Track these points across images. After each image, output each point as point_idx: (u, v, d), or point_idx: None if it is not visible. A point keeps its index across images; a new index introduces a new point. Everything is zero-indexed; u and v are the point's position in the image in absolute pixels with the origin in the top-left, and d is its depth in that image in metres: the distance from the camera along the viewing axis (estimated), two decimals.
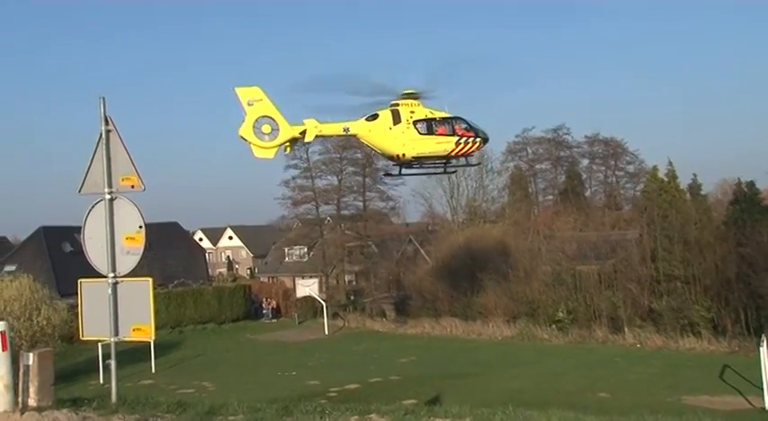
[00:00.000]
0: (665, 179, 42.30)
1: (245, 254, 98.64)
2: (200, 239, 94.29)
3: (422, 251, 61.85)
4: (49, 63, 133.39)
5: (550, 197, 73.72)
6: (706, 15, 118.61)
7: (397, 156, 19.20)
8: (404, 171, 20.41)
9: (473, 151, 19.98)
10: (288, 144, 18.56)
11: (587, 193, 74.09)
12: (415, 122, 19.00)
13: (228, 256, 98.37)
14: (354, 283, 66.02)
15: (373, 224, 63.73)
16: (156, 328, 8.79)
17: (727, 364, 27.84)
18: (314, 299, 54.76)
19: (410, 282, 56.07)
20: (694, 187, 45.77)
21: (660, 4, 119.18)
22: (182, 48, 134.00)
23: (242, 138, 17.55)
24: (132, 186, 8.69)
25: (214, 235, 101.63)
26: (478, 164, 20.76)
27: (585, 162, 75.94)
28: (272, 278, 72.88)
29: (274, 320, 56.68)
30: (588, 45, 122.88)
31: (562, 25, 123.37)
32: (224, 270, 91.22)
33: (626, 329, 39.00)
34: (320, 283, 63.63)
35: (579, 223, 53.11)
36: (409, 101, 19.19)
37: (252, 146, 17.61)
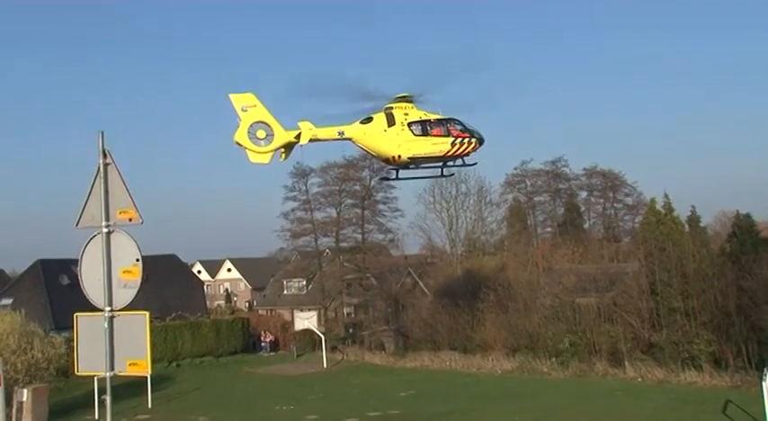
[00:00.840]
0: (663, 211, 42.40)
1: (243, 286, 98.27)
2: (199, 271, 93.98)
3: (421, 283, 61.64)
4: (48, 94, 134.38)
5: (549, 229, 73.76)
6: (705, 50, 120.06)
7: (393, 157, 19.19)
8: (401, 174, 20.33)
9: (469, 151, 19.90)
10: (283, 150, 18.59)
11: (586, 226, 74.15)
12: (409, 124, 19.10)
13: (227, 289, 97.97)
14: (353, 316, 65.70)
15: (372, 256, 63.66)
16: (153, 362, 8.72)
17: (730, 399, 27.56)
18: (312, 332, 54.45)
19: (409, 314, 55.79)
20: (693, 219, 45.88)
21: (658, 38, 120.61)
22: (177, 77, 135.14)
23: (237, 143, 17.61)
24: (130, 219, 8.67)
25: (212, 267, 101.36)
26: (475, 164, 20.42)
27: (584, 194, 76.22)
28: (271, 311, 72.52)
29: (272, 353, 56.26)
30: (587, 77, 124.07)
31: (558, 55, 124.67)
32: (222, 302, 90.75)
33: (626, 363, 38.70)
34: (319, 316, 63.32)
35: (578, 255, 53.05)
36: (403, 104, 19.28)
37: (247, 151, 17.66)
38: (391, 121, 18.95)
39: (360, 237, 63.47)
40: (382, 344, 55.63)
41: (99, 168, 8.59)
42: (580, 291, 44.87)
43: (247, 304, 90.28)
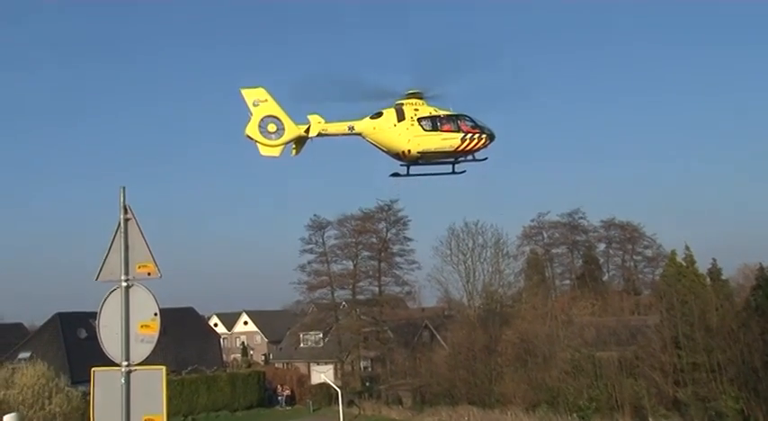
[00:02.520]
0: (684, 264, 41.91)
1: (260, 339, 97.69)
2: (215, 324, 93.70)
3: (438, 336, 60.98)
4: (70, 148, 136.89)
5: (567, 282, 73.10)
6: (722, 100, 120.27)
7: (403, 152, 19.11)
8: (411, 170, 19.88)
9: (479, 147, 19.70)
10: (294, 146, 18.64)
11: (605, 278, 73.43)
12: (419, 119, 19.13)
13: (243, 342, 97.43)
14: (370, 370, 64.92)
15: (389, 309, 63.29)
16: (168, 416, 8.65)
17: None
18: (329, 385, 53.77)
19: (426, 368, 55.05)
20: (714, 272, 45.16)
21: (675, 89, 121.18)
22: (195, 128, 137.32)
23: (248, 137, 17.76)
24: (149, 274, 8.74)
25: (229, 320, 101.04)
26: (485, 159, 20.16)
27: (602, 246, 75.69)
28: (287, 364, 71.90)
29: (288, 408, 55.56)
30: (602, 128, 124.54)
31: (575, 106, 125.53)
32: (238, 355, 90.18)
33: (650, 419, 37.76)
34: (335, 369, 62.69)
35: (597, 308, 52.45)
36: (413, 100, 19.33)
37: (258, 144, 17.80)
38: (401, 117, 19.03)
39: (376, 289, 63.24)
40: (399, 398, 54.80)
41: (120, 223, 8.71)
42: (600, 344, 44.16)
43: (264, 357, 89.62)
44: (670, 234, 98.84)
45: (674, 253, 44.50)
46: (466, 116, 19.56)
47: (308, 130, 18.17)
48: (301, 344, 71.91)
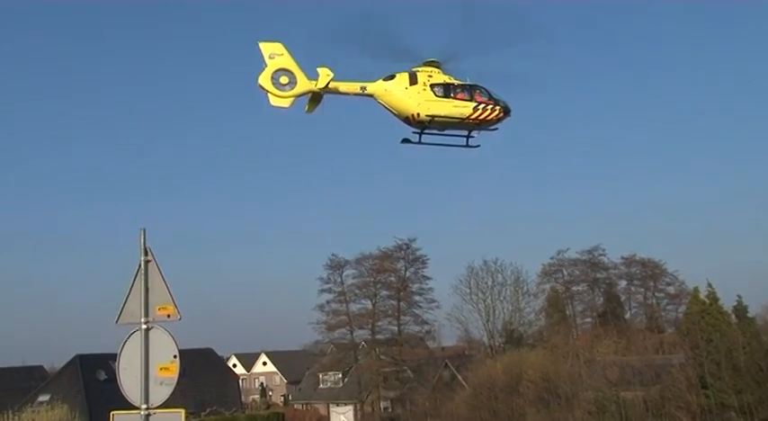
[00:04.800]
0: (707, 301, 41.26)
1: (279, 379, 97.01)
2: (234, 365, 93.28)
3: (459, 376, 60.19)
4: (89, 190, 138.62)
5: (589, 320, 72.06)
6: (744, 137, 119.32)
7: (412, 116, 19.00)
8: (423, 139, 19.66)
9: (493, 119, 19.54)
10: (309, 103, 18.85)
11: (627, 316, 72.36)
12: (432, 85, 19.13)
13: (262, 383, 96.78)
14: (390, 410, 64.09)
15: (408, 348, 62.79)
16: None
17: None
18: None
19: (447, 409, 54.21)
20: (740, 309, 44.36)
21: (696, 126, 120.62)
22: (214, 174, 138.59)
23: (260, 86, 17.99)
24: (168, 316, 8.79)
25: (248, 360, 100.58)
26: (496, 128, 19.92)
27: (623, 283, 74.67)
28: (306, 405, 71.18)
29: None
30: (621, 161, 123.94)
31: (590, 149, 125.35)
32: (257, 396, 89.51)
33: None
34: (355, 410, 62.02)
35: (620, 347, 51.60)
36: (429, 68, 19.36)
37: (269, 94, 18.00)
38: (413, 81, 19.07)
39: (396, 328, 62.89)
40: None
41: (140, 265, 8.80)
42: (624, 384, 43.32)
43: (283, 398, 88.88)
44: (693, 270, 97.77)
45: (696, 290, 43.86)
46: (482, 87, 19.53)
47: (319, 87, 18.31)
48: (321, 385, 71.31)
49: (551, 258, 71.25)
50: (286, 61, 18.18)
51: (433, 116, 18.90)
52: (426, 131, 19.51)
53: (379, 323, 62.95)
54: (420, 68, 19.35)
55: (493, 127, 19.81)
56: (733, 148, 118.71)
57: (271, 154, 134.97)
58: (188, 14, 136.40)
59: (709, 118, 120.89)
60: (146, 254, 8.83)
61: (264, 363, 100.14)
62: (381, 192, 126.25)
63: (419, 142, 19.75)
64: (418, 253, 63.37)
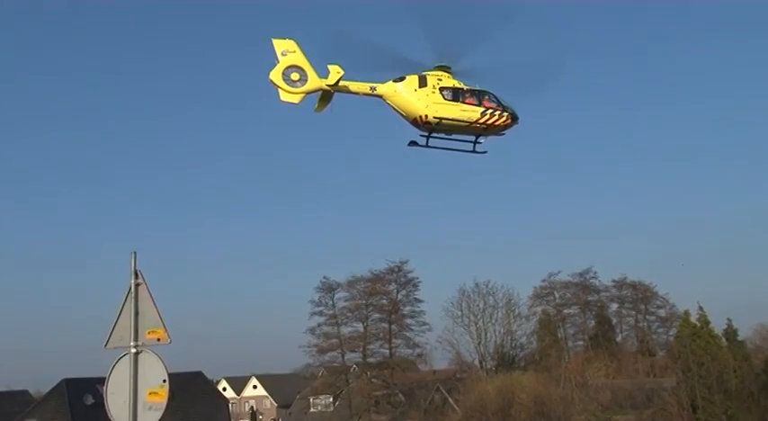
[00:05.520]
0: (698, 324, 41.35)
1: (269, 403, 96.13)
2: (224, 389, 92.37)
3: (450, 400, 59.81)
4: (80, 213, 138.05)
5: (580, 342, 71.90)
6: (732, 163, 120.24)
7: (420, 117, 19.09)
8: (431, 142, 19.73)
9: (500, 125, 19.65)
10: (318, 102, 18.99)
11: (618, 339, 72.27)
12: (441, 88, 19.29)
13: (252, 406, 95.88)
14: None
15: (400, 372, 62.46)
16: None
17: None
18: None
19: None
20: (730, 333, 44.44)
21: (685, 155, 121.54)
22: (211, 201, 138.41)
23: (271, 81, 18.20)
24: (158, 339, 8.75)
25: (238, 384, 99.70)
26: (503, 134, 20.10)
27: (615, 306, 74.64)
28: None
29: None
30: (615, 189, 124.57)
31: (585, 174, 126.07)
32: (247, 420, 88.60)
33: None
34: None
35: (612, 370, 51.55)
36: (439, 72, 19.52)
37: (279, 90, 18.19)
38: (423, 83, 19.24)
39: (387, 352, 62.56)
40: None
41: (130, 288, 8.76)
42: (616, 407, 43.26)
43: None
44: (683, 292, 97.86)
45: (687, 313, 44.00)
46: (490, 93, 19.66)
47: (329, 84, 18.44)
48: (311, 409, 70.71)
49: (543, 281, 71.33)
50: (298, 58, 18.42)
51: (441, 119, 19.08)
52: (434, 135, 19.67)
53: (371, 346, 62.64)
54: (430, 72, 19.55)
55: (500, 133, 20.01)
56: (725, 173, 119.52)
57: (263, 176, 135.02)
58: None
59: (700, 144, 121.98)
60: (136, 277, 8.80)
61: (255, 387, 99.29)
62: (375, 213, 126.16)
63: (426, 145, 19.88)
64: (410, 275, 63.33)
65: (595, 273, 71.01)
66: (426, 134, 19.63)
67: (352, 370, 64.59)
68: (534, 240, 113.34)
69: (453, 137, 19.90)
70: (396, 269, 62.75)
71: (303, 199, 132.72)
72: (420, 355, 64.99)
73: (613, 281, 72.47)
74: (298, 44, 18.49)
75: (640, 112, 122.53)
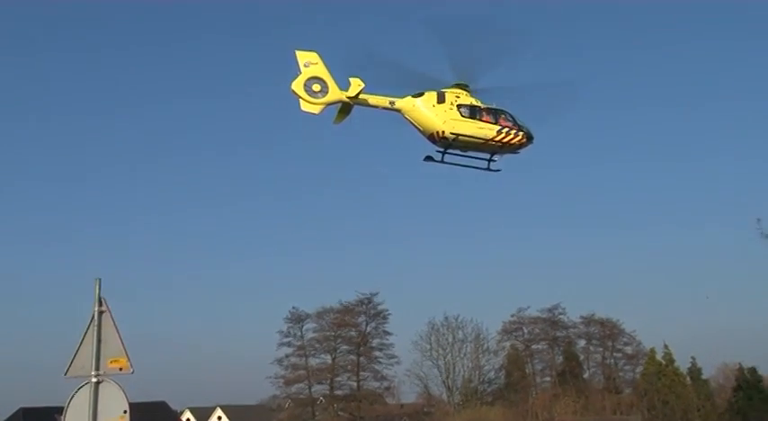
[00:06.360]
0: (663, 362, 41.78)
1: None
2: (188, 419, 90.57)
3: None
4: (46, 235, 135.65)
5: (548, 378, 71.89)
6: (697, 204, 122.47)
7: (437, 133, 19.43)
8: (446, 158, 20.00)
9: (515, 143, 19.99)
10: (338, 114, 19.37)
11: (585, 375, 72.37)
12: (459, 105, 19.70)
13: None
14: None
15: (367, 404, 61.88)
16: None
17: None
18: None
19: None
20: (694, 371, 45.00)
21: (654, 186, 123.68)
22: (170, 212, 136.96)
23: (293, 91, 18.61)
24: (120, 369, 8.63)
25: (203, 415, 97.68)
26: (518, 153, 20.56)
27: (582, 343, 74.87)
28: None
29: None
30: (584, 225, 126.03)
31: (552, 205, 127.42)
32: None
33: None
34: None
35: (579, 407, 51.60)
36: (457, 90, 19.91)
37: (300, 100, 18.61)
38: (441, 100, 19.66)
39: (355, 384, 62.05)
40: None
41: (93, 316, 8.65)
42: None
43: None
44: (650, 330, 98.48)
45: (653, 351, 44.50)
46: (507, 112, 20.07)
47: (351, 97, 18.83)
48: None
49: (512, 316, 71.49)
50: (320, 70, 18.88)
51: (458, 135, 19.45)
52: (449, 152, 19.95)
53: (338, 378, 62.15)
54: (449, 89, 19.96)
55: (515, 152, 20.37)
56: (691, 209, 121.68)
57: (230, 201, 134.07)
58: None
59: (663, 184, 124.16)
60: (99, 304, 8.71)
61: (219, 418, 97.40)
62: (347, 244, 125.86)
63: (441, 161, 20.17)
64: (380, 307, 63.16)
65: (564, 309, 71.46)
66: (442, 150, 19.97)
67: (318, 402, 63.87)
68: (505, 275, 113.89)
69: (468, 154, 20.29)
70: (366, 301, 62.63)
71: (273, 226, 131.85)
72: (388, 388, 64.62)
73: (582, 317, 72.92)
74: (320, 56, 19.01)
75: (606, 151, 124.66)
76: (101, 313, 8.68)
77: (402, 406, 68.02)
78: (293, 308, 63.39)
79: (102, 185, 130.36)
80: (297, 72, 18.72)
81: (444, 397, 63.12)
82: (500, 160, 20.36)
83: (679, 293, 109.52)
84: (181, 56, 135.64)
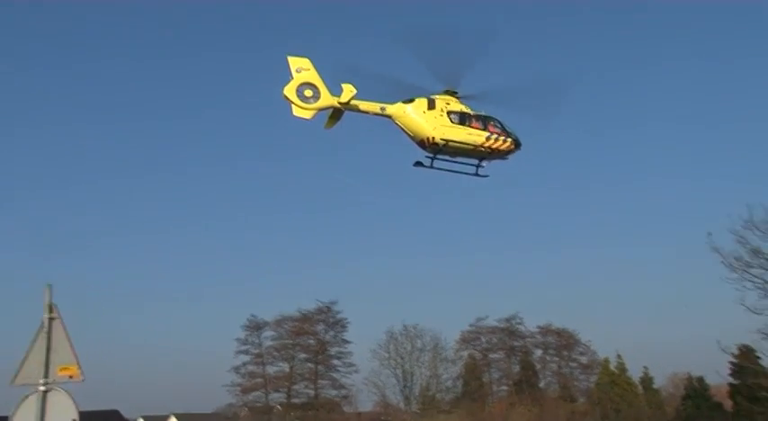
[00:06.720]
0: (617, 372, 42.58)
1: None
2: None
3: None
4: None
5: (505, 387, 72.54)
6: (650, 218, 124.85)
7: (428, 139, 19.79)
8: (435, 164, 20.41)
9: (504, 150, 20.44)
10: (328, 121, 19.63)
11: (541, 384, 73.18)
12: (449, 112, 20.09)
13: None
14: None
15: (324, 413, 61.66)
16: None
17: None
18: None
19: None
20: (646, 380, 45.92)
21: (608, 202, 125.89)
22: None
23: (285, 97, 18.81)
24: (71, 376, 8.53)
25: None
26: (506, 159, 20.96)
27: (539, 352, 75.76)
28: None
29: None
30: (542, 238, 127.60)
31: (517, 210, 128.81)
32: None
33: None
34: None
35: (534, 415, 52.18)
36: (447, 96, 20.30)
37: (292, 105, 18.85)
38: (431, 106, 20.07)
39: (312, 392, 61.78)
40: None
41: (43, 323, 8.54)
42: None
43: None
44: (605, 340, 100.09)
45: (606, 361, 45.29)
46: (496, 119, 20.55)
47: (342, 103, 19.10)
48: None
49: (470, 325, 72.03)
50: (312, 76, 19.15)
51: (448, 140, 19.85)
52: (438, 157, 20.29)
53: (296, 386, 61.83)
54: (439, 96, 20.33)
55: (504, 157, 20.79)
56: (645, 224, 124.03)
57: (187, 207, 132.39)
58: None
59: (620, 196, 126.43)
60: (50, 311, 8.61)
61: None
62: (305, 251, 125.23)
63: (431, 166, 20.52)
64: (339, 316, 63.06)
65: (521, 319, 72.21)
66: (432, 155, 20.34)
67: (275, 410, 63.43)
68: (464, 284, 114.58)
69: (457, 160, 20.69)
70: (325, 309, 62.47)
71: (232, 232, 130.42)
72: (345, 397, 64.42)
73: (539, 327, 73.80)
74: (312, 63, 19.22)
75: (559, 168, 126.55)
76: (51, 320, 8.58)
77: (360, 414, 67.87)
78: (251, 315, 63.00)
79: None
80: (288, 77, 18.90)
81: (402, 405, 63.18)
82: (488, 166, 20.88)
83: (633, 304, 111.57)
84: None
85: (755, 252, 21.06)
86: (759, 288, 21.23)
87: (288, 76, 18.88)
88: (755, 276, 20.86)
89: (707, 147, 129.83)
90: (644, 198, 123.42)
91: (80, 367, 8.59)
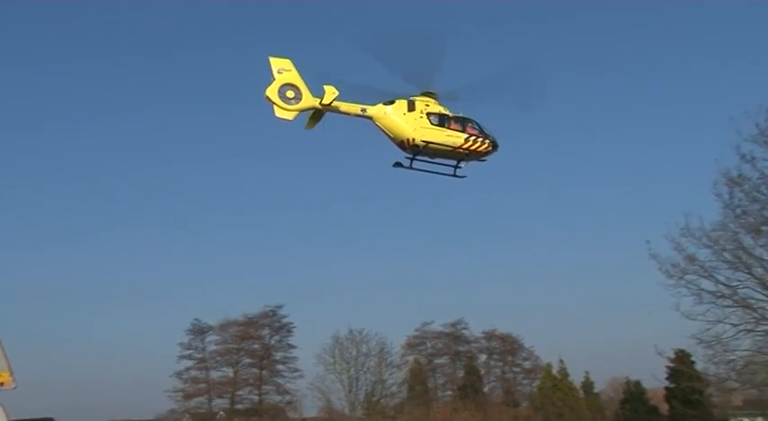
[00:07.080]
0: (559, 377, 43.40)
1: None
2: None
3: None
4: None
5: (449, 392, 73.14)
6: (601, 220, 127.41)
7: (408, 140, 20.10)
8: (414, 164, 20.76)
9: (482, 151, 20.82)
10: (310, 120, 19.79)
11: (485, 389, 74.05)
12: (428, 114, 20.41)
13: None
14: None
15: (269, 419, 61.16)
16: None
17: None
18: None
19: None
20: (587, 385, 46.94)
21: (553, 209, 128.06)
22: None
23: (267, 98, 18.83)
24: (2, 383, 8.28)
25: None
26: (484, 160, 21.41)
27: (483, 357, 76.64)
28: None
29: None
30: (488, 243, 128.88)
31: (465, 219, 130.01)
32: None
33: None
34: None
35: (478, 420, 52.70)
36: (426, 98, 20.54)
37: (274, 106, 18.89)
38: (411, 108, 20.36)
39: (257, 398, 61.29)
40: None
41: None
42: None
43: None
44: (547, 345, 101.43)
45: (549, 366, 46.10)
46: (474, 121, 20.91)
47: (323, 104, 19.22)
48: None
49: (416, 330, 72.42)
50: (293, 77, 19.22)
51: (428, 142, 20.15)
52: (417, 158, 20.62)
53: (240, 392, 61.19)
54: (418, 97, 20.55)
55: (481, 159, 21.15)
56: (591, 231, 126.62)
57: (129, 205, 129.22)
58: None
59: (565, 203, 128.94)
60: None
61: None
62: (251, 255, 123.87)
63: (410, 167, 20.90)
64: (284, 320, 62.65)
65: (467, 324, 72.98)
66: (411, 157, 20.68)
67: (218, 416, 62.61)
68: (410, 289, 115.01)
69: (436, 160, 21.05)
70: (270, 313, 62.01)
71: (176, 233, 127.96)
72: (290, 402, 64.03)
73: (483, 332, 74.68)
74: (294, 64, 19.25)
75: (509, 174, 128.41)
76: None
77: (304, 420, 67.52)
78: (195, 319, 62.10)
79: None
80: (270, 78, 18.96)
81: (347, 411, 63.04)
82: (465, 167, 21.37)
83: (575, 310, 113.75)
84: None
85: (690, 259, 21.75)
86: (694, 294, 21.97)
87: (270, 77, 18.93)
88: (690, 282, 21.57)
89: (648, 152, 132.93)
90: (586, 204, 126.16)
91: (12, 374, 8.34)
